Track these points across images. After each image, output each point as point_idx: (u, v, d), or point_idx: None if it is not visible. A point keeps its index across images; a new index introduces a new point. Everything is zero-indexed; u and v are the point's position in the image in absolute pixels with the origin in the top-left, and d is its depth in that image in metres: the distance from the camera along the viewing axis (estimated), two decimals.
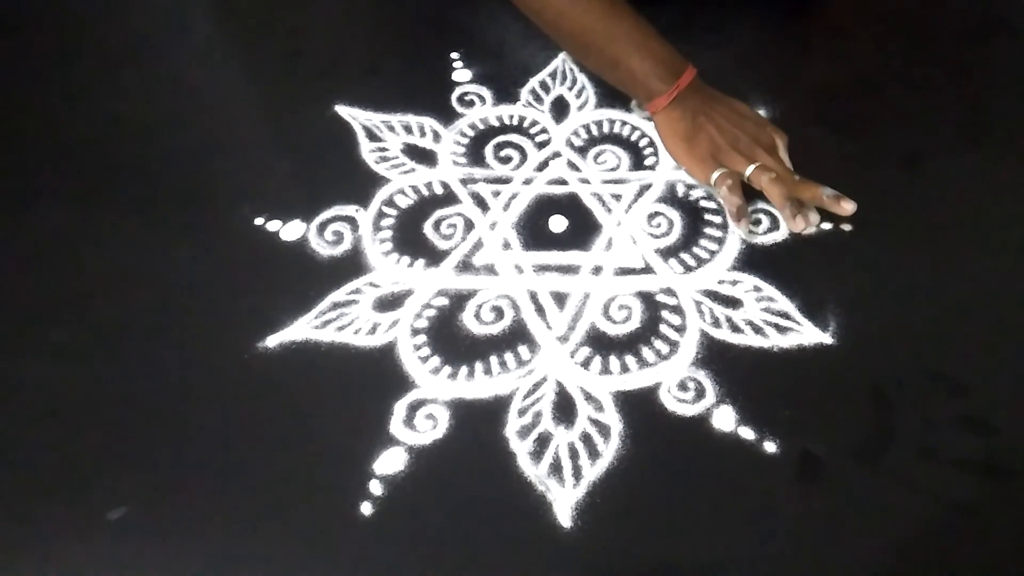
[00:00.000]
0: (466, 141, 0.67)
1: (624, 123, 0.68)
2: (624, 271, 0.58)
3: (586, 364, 0.53)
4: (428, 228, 0.61)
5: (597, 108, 0.69)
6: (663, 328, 0.55)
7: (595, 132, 0.67)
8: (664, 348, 0.54)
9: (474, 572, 0.45)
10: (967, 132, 0.67)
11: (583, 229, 0.60)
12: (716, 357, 0.53)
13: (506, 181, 0.64)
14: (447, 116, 0.69)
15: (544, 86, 0.71)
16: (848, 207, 0.57)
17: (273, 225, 0.61)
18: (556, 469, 0.48)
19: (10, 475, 0.49)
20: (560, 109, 0.69)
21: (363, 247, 0.60)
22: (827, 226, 0.60)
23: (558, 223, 0.61)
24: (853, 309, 0.55)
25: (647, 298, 0.56)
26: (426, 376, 0.53)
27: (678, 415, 0.50)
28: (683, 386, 0.52)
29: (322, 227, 0.61)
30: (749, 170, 0.59)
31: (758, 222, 0.60)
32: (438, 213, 0.62)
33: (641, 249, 0.59)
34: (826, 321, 0.54)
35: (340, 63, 0.75)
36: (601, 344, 0.54)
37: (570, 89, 0.71)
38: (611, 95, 0.70)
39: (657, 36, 0.62)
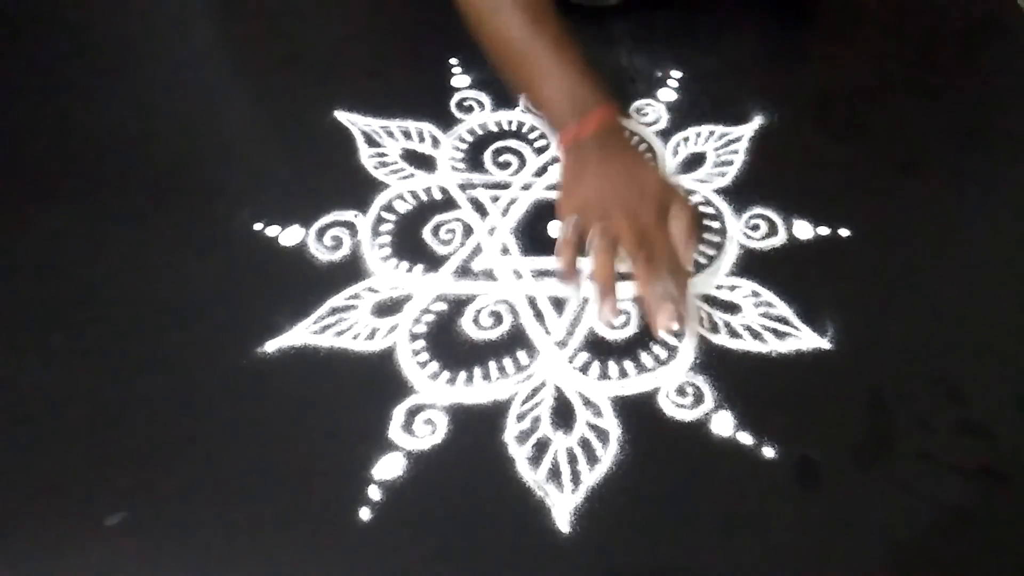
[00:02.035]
0: (465, 146, 0.67)
1: (623, 129, 0.68)
2: (622, 276, 0.58)
3: (585, 369, 0.53)
4: (427, 233, 0.61)
5: None
6: (661, 333, 0.55)
7: None
8: (663, 353, 0.54)
9: None
10: (965, 137, 0.67)
11: None
12: (715, 362, 0.53)
13: (505, 186, 0.64)
14: (446, 121, 0.69)
15: None
16: (662, 324, 0.49)
17: (272, 230, 0.61)
18: (555, 474, 0.48)
19: (8, 479, 0.49)
20: None
21: (362, 252, 0.60)
22: (825, 231, 0.60)
23: (557, 228, 0.61)
24: (851, 314, 0.55)
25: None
26: (425, 381, 0.53)
27: (676, 420, 0.50)
28: (682, 391, 0.52)
29: (321, 232, 0.61)
30: (592, 230, 0.53)
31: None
32: (437, 218, 0.62)
33: None
34: (824, 326, 0.54)
35: (339, 68, 0.75)
36: (600, 349, 0.54)
37: None
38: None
39: (578, 63, 0.56)
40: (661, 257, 0.51)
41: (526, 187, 0.64)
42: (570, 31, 0.59)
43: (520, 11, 0.56)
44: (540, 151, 0.67)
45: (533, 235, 0.61)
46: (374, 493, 0.47)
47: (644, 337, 0.54)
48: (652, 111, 0.69)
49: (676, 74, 0.73)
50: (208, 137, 0.69)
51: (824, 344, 0.54)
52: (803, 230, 0.60)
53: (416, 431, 0.50)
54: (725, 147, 0.66)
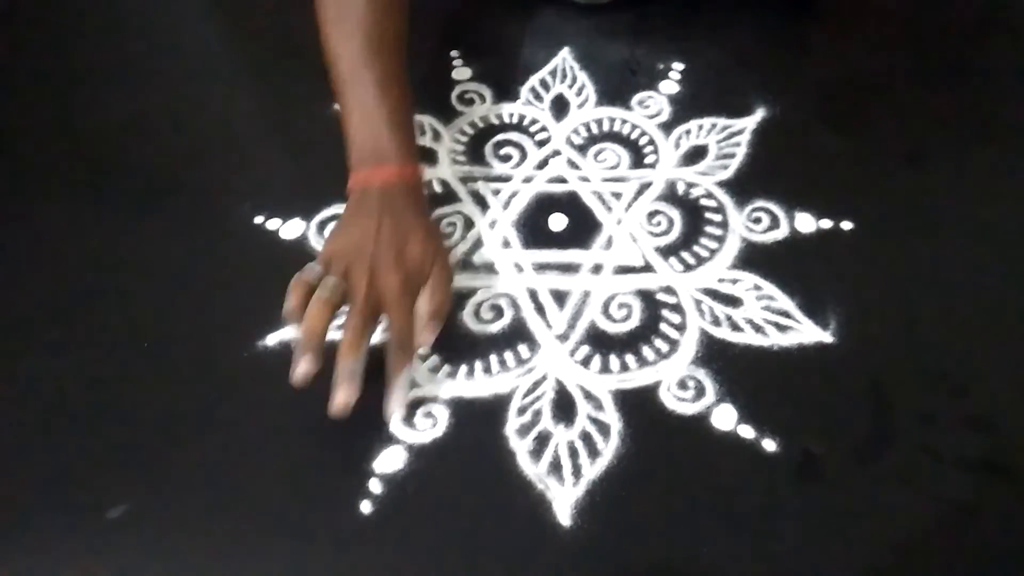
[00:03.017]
0: (466, 139, 0.67)
1: (624, 121, 0.68)
2: (624, 269, 0.58)
3: (586, 363, 0.53)
4: None
5: (597, 106, 0.69)
6: (663, 327, 0.55)
7: (595, 130, 0.67)
8: (664, 347, 0.53)
9: (474, 571, 0.45)
10: (968, 130, 0.67)
11: (583, 227, 0.60)
12: (716, 356, 0.53)
13: (506, 179, 0.64)
14: (447, 114, 0.69)
15: (544, 84, 0.71)
16: (340, 400, 0.45)
17: (273, 223, 0.61)
18: (556, 468, 0.48)
19: (9, 474, 0.49)
20: (560, 107, 0.69)
21: None
22: (827, 224, 0.60)
23: (558, 221, 0.61)
24: (854, 308, 0.55)
25: (647, 296, 0.56)
26: (426, 375, 0.52)
27: (678, 414, 0.50)
28: (683, 385, 0.51)
29: (322, 225, 0.61)
30: (323, 281, 0.48)
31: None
32: (438, 211, 0.62)
33: (641, 247, 0.59)
34: (826, 320, 0.54)
35: None
36: (601, 343, 0.54)
37: (570, 87, 0.71)
38: (611, 94, 0.70)
39: (400, 111, 0.53)
40: (367, 331, 0.47)
41: (527, 180, 0.64)
42: (405, 72, 0.55)
43: (362, 33, 0.52)
44: (541, 144, 0.66)
45: (534, 228, 0.61)
46: (375, 486, 0.47)
47: (646, 331, 0.54)
48: (654, 103, 0.69)
49: (678, 66, 0.72)
50: (209, 130, 0.69)
51: (826, 337, 0.53)
52: (805, 223, 0.60)
53: (417, 424, 0.50)
54: (727, 140, 0.66)
